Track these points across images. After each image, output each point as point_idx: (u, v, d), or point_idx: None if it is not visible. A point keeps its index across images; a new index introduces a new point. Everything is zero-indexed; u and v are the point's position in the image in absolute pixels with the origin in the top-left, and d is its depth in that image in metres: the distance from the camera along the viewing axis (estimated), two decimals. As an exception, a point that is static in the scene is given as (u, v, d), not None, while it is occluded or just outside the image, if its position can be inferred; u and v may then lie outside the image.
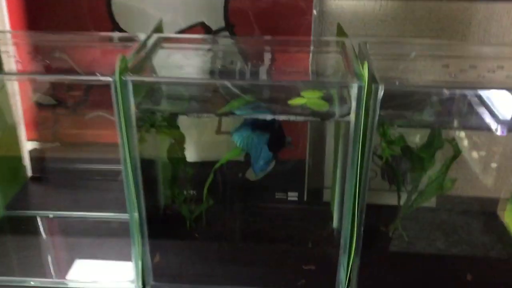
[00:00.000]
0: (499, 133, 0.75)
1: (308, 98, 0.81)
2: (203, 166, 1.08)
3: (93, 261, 0.94)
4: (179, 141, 0.87)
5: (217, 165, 0.90)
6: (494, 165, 1.01)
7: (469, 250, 0.96)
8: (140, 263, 0.89)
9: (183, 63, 0.89)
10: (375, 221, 1.00)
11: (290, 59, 0.95)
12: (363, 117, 0.73)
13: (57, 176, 1.19)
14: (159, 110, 0.79)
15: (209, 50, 0.94)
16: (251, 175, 1.19)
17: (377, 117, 0.72)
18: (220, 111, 0.80)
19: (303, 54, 0.96)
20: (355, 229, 0.83)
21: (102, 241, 0.98)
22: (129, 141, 0.77)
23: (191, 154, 1.06)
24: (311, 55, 0.95)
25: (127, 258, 0.90)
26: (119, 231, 1.04)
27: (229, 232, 1.00)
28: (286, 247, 0.96)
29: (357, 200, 0.80)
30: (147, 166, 0.93)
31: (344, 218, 0.84)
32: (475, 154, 0.94)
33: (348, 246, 0.85)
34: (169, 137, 0.86)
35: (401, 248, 0.95)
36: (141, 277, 0.90)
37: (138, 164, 0.80)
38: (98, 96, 1.17)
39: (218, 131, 1.14)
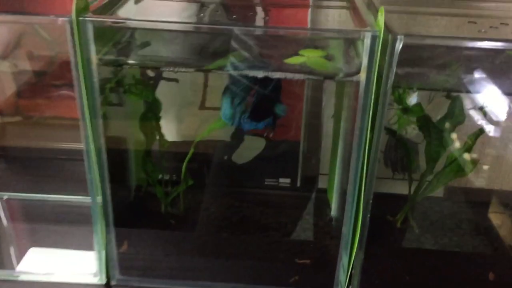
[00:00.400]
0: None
1: (308, 57, 0.67)
2: (183, 146, 0.94)
3: (50, 250, 0.81)
4: (154, 107, 0.73)
5: (198, 138, 0.76)
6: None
7: (486, 245, 0.83)
8: (103, 253, 0.75)
9: (161, 12, 0.74)
10: (380, 210, 0.86)
11: (286, 16, 0.81)
12: (375, 76, 0.59)
13: (16, 153, 1.06)
14: (127, 63, 0.65)
15: (193, 3, 0.80)
16: (238, 157, 1.05)
17: (392, 76, 0.59)
18: (206, 66, 0.66)
19: (300, 10, 0.82)
20: (360, 218, 0.70)
21: (63, 227, 0.85)
22: (90, 102, 0.62)
23: (169, 133, 0.92)
24: (310, 10, 0.81)
25: (90, 247, 0.75)
26: (83, 216, 0.89)
27: (211, 219, 0.86)
28: (277, 238, 0.82)
29: (363, 183, 0.67)
30: (114, 139, 0.79)
31: (347, 205, 0.70)
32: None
33: (350, 238, 0.72)
34: (140, 99, 0.71)
35: (411, 241, 0.82)
36: (104, 269, 0.76)
37: (102, 134, 0.66)
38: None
39: (202, 106, 0.99)
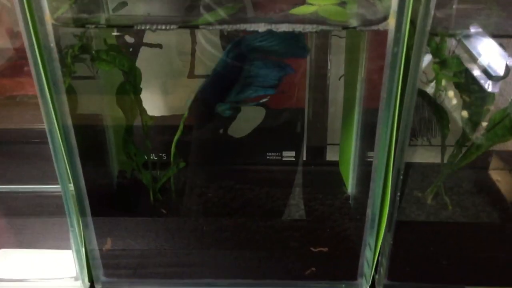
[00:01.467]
0: None
1: (319, 5, 0.55)
2: (171, 121, 0.81)
3: (22, 251, 0.70)
4: (132, 77, 0.60)
5: (187, 113, 0.64)
6: None
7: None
8: (82, 251, 0.64)
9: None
10: (405, 185, 0.74)
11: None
12: (408, 21, 0.47)
13: None
14: (91, 22, 0.52)
15: None
16: (235, 131, 0.93)
17: (430, 21, 0.46)
18: (194, 21, 0.54)
19: None
20: (388, 195, 0.58)
21: (37, 223, 0.71)
22: (49, 74, 0.50)
23: (155, 108, 0.79)
24: None
25: (68, 245, 0.64)
26: (61, 208, 0.77)
27: (208, 205, 0.74)
28: (286, 223, 0.71)
29: (392, 154, 0.55)
30: (88, 117, 0.66)
31: (373, 181, 0.59)
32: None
33: (377, 219, 0.60)
34: (112, 68, 0.58)
35: (444, 220, 0.70)
36: (86, 271, 0.65)
37: (67, 112, 0.53)
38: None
39: (191, 73, 0.86)
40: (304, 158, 0.96)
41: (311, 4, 0.57)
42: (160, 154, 0.79)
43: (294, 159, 0.95)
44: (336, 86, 0.92)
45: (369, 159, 0.73)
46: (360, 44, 0.69)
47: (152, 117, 0.66)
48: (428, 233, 0.68)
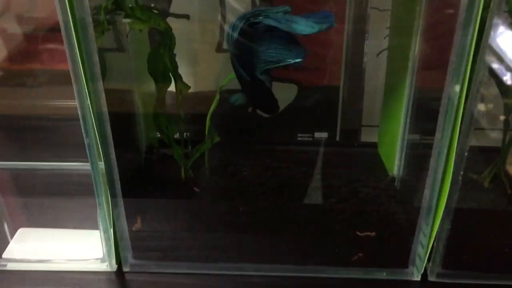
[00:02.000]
0: None
1: None
2: (200, 97, 0.77)
3: (44, 230, 0.65)
4: (167, 39, 0.55)
5: (226, 81, 0.58)
6: None
7: None
8: (111, 232, 0.59)
9: None
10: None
11: None
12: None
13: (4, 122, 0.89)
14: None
15: None
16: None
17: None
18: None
19: None
20: (449, 177, 0.53)
21: (60, 201, 0.67)
22: (82, 35, 0.44)
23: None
24: None
25: (95, 225, 0.59)
26: (85, 186, 0.72)
27: (243, 184, 0.69)
28: (328, 206, 0.65)
29: (457, 132, 0.49)
30: (116, 92, 0.61)
31: (433, 161, 0.53)
32: None
33: (435, 202, 0.55)
34: (146, 27, 0.53)
35: (503, 204, 0.65)
36: (114, 253, 0.60)
37: (99, 81, 0.48)
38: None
39: (219, 48, 0.83)
40: (338, 139, 0.91)
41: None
42: (191, 130, 0.74)
43: (327, 139, 0.90)
44: (374, 62, 0.86)
45: (421, 141, 0.68)
46: (414, 9, 0.63)
47: (188, 85, 0.61)
48: (486, 219, 0.62)
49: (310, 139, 0.92)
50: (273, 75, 0.87)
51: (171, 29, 0.56)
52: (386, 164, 0.78)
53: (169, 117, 0.64)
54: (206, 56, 0.87)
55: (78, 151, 0.80)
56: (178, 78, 0.59)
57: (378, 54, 0.87)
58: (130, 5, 0.52)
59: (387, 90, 0.79)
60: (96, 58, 0.48)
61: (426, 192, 0.56)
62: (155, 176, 0.70)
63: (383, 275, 0.61)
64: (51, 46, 0.85)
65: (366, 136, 0.93)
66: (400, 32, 0.70)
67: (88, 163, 0.57)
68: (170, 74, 0.60)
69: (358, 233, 0.62)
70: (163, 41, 0.56)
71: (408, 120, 0.68)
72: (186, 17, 0.79)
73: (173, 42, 0.57)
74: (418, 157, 0.69)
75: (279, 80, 0.89)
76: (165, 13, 0.76)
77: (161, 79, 0.59)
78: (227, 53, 0.84)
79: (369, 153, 0.85)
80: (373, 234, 0.62)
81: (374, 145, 0.86)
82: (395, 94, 0.73)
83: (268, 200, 0.66)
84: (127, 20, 0.52)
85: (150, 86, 0.66)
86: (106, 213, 0.60)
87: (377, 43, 0.86)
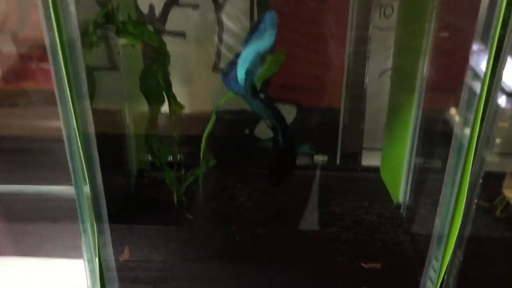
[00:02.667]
0: None
1: None
2: (195, 119, 0.73)
3: (24, 260, 0.58)
4: (161, 57, 0.51)
5: (223, 101, 0.55)
6: None
7: None
8: (96, 262, 0.54)
9: None
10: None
11: None
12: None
13: None
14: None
15: None
16: (262, 131, 0.85)
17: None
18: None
19: None
20: (462, 205, 0.49)
21: (42, 227, 0.62)
22: (69, 51, 0.41)
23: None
24: None
25: (79, 254, 0.55)
26: (70, 212, 0.68)
27: (240, 211, 0.65)
28: (331, 235, 0.61)
29: (471, 159, 0.46)
30: (105, 113, 0.58)
31: (446, 187, 0.50)
32: None
33: (447, 233, 0.51)
34: (138, 41, 0.49)
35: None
36: (99, 285, 0.55)
37: (86, 100, 0.44)
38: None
39: (216, 67, 0.80)
40: (338, 162, 0.87)
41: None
42: (185, 152, 0.70)
43: (327, 163, 0.86)
44: (376, 83, 0.83)
45: (429, 166, 0.65)
46: (422, 27, 0.60)
47: (182, 105, 0.57)
48: (499, 249, 0.58)
49: (309, 161, 0.88)
50: (272, 96, 0.85)
51: (165, 45, 0.53)
52: (390, 190, 0.74)
53: (161, 139, 0.60)
54: (201, 76, 0.83)
55: (65, 174, 0.77)
56: (172, 98, 0.56)
57: (380, 75, 0.84)
58: (122, 20, 0.49)
59: (391, 112, 0.76)
60: (83, 76, 0.45)
61: (437, 221, 0.53)
62: (146, 201, 0.66)
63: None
64: (44, 65, 0.82)
65: (367, 160, 0.89)
66: (406, 51, 0.68)
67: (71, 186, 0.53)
68: (164, 93, 0.56)
69: (362, 264, 0.58)
70: (156, 58, 0.53)
71: (415, 143, 0.65)
72: (182, 35, 0.76)
73: (168, 59, 0.54)
74: (426, 183, 0.65)
75: (278, 101, 0.86)
76: (160, 31, 0.73)
77: (154, 98, 0.56)
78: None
79: (371, 178, 0.82)
80: (378, 265, 0.58)
81: (376, 170, 0.82)
82: (400, 115, 0.70)
83: (267, 228, 0.62)
84: (119, 37, 0.49)
85: (142, 106, 0.63)
86: (91, 241, 0.55)
87: (378, 64, 0.83)
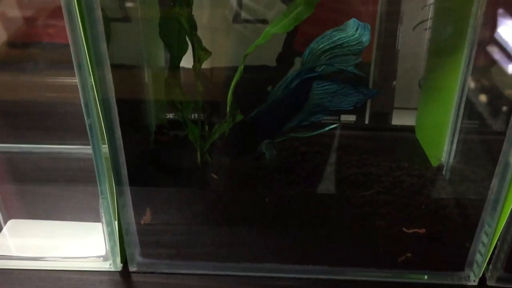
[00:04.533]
0: None
1: None
2: (215, 75, 0.68)
3: (38, 222, 0.57)
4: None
5: (251, 49, 0.49)
6: None
7: None
8: (115, 226, 0.50)
9: None
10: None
11: None
12: None
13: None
14: None
15: None
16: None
17: None
18: None
19: None
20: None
21: (56, 188, 0.58)
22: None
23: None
24: None
25: (96, 217, 0.51)
26: (85, 172, 0.64)
27: (267, 171, 0.60)
28: (369, 198, 0.57)
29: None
30: (121, 61, 0.53)
31: (506, 145, 0.44)
32: None
33: (503, 195, 0.46)
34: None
35: None
36: (118, 250, 0.52)
37: (105, 55, 0.39)
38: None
39: (237, 18, 0.74)
40: (366, 122, 0.82)
41: None
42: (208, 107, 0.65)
43: (354, 122, 0.81)
44: (409, 38, 0.77)
45: (477, 126, 0.60)
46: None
47: (208, 51, 0.52)
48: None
49: (336, 121, 0.83)
50: (298, 49, 0.79)
51: (189, -16, 0.48)
52: (428, 151, 0.69)
53: (183, 92, 0.55)
54: (221, 28, 0.77)
55: (78, 133, 0.72)
56: (197, 42, 0.50)
57: (414, 28, 0.78)
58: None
59: (431, 68, 0.70)
60: (101, 27, 0.40)
61: (494, 182, 0.48)
62: (166, 160, 0.61)
63: (434, 278, 0.53)
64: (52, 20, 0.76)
65: (398, 119, 0.84)
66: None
67: (89, 146, 0.49)
68: (187, 37, 0.50)
69: (405, 229, 0.53)
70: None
71: (463, 101, 0.59)
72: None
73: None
74: (473, 144, 0.60)
75: (301, 54, 0.80)
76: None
77: (176, 44, 0.50)
78: (245, 23, 0.75)
79: (406, 138, 0.77)
80: (422, 231, 0.54)
81: (408, 129, 0.77)
82: (443, 72, 0.64)
83: (298, 190, 0.57)
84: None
85: (160, 58, 0.57)
86: (109, 204, 0.51)
87: (412, 15, 0.77)
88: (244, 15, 0.76)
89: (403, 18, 0.76)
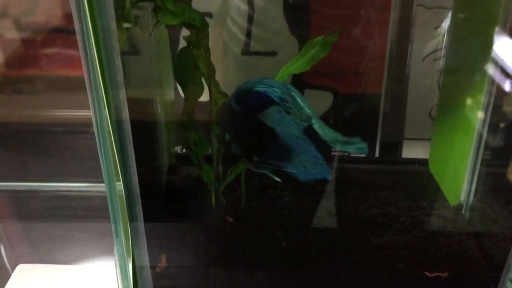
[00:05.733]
0: None
1: None
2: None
3: (47, 267, 0.58)
4: (202, 39, 0.45)
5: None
6: None
7: None
8: (129, 269, 0.49)
9: None
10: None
11: None
12: None
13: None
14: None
15: None
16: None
17: None
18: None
19: None
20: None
21: (67, 228, 0.57)
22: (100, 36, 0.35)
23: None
24: None
25: (107, 259, 0.50)
26: (93, 212, 0.63)
27: (284, 212, 0.59)
28: (387, 239, 0.56)
29: None
30: (132, 95, 0.52)
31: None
32: None
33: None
34: (179, 22, 0.43)
35: None
36: (132, 294, 0.51)
37: (122, 88, 0.39)
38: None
39: (246, 50, 0.74)
40: (377, 155, 0.82)
41: None
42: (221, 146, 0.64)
43: (365, 155, 0.80)
44: (419, 67, 0.77)
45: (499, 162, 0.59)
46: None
47: (226, 94, 0.51)
48: None
49: (346, 153, 0.82)
50: (307, 81, 0.78)
51: (207, 25, 0.47)
52: (443, 186, 0.68)
53: (199, 133, 0.54)
54: (231, 60, 0.77)
55: (83, 169, 0.71)
56: (214, 86, 0.50)
57: (424, 59, 0.78)
58: (159, -2, 0.43)
59: (444, 99, 0.69)
60: (118, 62, 0.39)
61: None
62: (179, 202, 0.60)
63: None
64: (51, 50, 0.76)
65: (409, 152, 0.84)
66: (467, 30, 0.61)
67: (97, 184, 0.48)
68: (203, 80, 0.50)
69: (427, 273, 0.52)
70: (196, 40, 0.47)
71: (483, 136, 0.58)
72: (209, 15, 0.71)
73: (207, 36, 0.48)
74: (494, 181, 0.59)
75: (312, 87, 0.80)
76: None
77: (192, 86, 0.50)
78: (255, 56, 0.75)
79: (420, 172, 0.76)
80: (445, 274, 0.52)
81: (421, 162, 0.76)
82: (461, 102, 0.63)
83: (315, 232, 0.56)
84: (157, 16, 0.43)
85: (170, 94, 0.56)
86: (124, 245, 0.50)
87: (422, 46, 0.77)
88: (253, 47, 0.76)
89: (413, 47, 0.77)
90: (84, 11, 0.37)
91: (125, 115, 0.44)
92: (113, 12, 0.36)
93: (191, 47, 0.48)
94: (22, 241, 0.63)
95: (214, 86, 0.50)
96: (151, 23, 0.51)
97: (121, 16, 0.39)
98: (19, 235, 0.64)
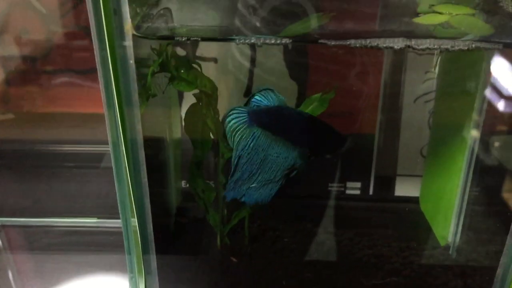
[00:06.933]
0: None
1: (451, 14, 0.46)
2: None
3: None
4: (212, 101, 0.50)
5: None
6: None
7: None
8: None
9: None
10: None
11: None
12: None
13: (10, 163, 0.84)
14: (177, 33, 0.42)
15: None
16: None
17: None
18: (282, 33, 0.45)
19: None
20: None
21: (78, 266, 0.60)
22: (123, 90, 0.40)
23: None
24: None
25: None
26: (106, 248, 0.68)
27: (285, 252, 0.63)
28: (380, 279, 0.60)
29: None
30: (150, 145, 0.57)
31: None
32: None
33: (508, 281, 0.50)
34: (192, 89, 0.48)
35: None
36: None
37: (140, 140, 0.43)
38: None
39: (248, 93, 0.76)
40: (371, 192, 0.86)
41: (439, 12, 0.48)
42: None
43: (359, 191, 0.85)
44: (411, 108, 0.82)
45: (485, 202, 0.63)
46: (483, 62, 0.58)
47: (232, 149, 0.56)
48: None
49: (342, 189, 0.86)
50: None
51: (217, 89, 0.52)
52: (433, 225, 0.72)
53: (207, 181, 0.59)
54: (233, 102, 0.82)
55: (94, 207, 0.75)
56: (221, 141, 0.55)
57: (415, 100, 0.83)
58: (174, 65, 0.48)
59: (434, 139, 0.74)
60: (139, 127, 0.44)
61: (499, 272, 0.51)
62: (186, 243, 0.65)
63: None
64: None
65: (401, 190, 0.88)
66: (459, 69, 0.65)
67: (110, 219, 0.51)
68: (211, 135, 0.55)
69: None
70: (207, 102, 0.52)
71: (470, 174, 0.63)
72: (214, 60, 0.75)
73: (216, 97, 0.53)
74: (480, 222, 0.64)
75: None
76: (191, 57, 0.73)
77: (200, 141, 0.55)
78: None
79: (411, 210, 0.80)
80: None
81: (412, 200, 0.81)
82: (450, 139, 0.67)
83: (315, 273, 0.61)
84: (173, 85, 0.48)
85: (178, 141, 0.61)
86: (137, 283, 0.54)
87: (413, 88, 0.82)
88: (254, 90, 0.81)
89: (404, 89, 0.81)
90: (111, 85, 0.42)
91: (142, 158, 0.48)
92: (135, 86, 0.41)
93: (201, 106, 0.53)
94: (33, 277, 0.67)
95: (221, 142, 0.55)
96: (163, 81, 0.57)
97: (143, 87, 0.44)
98: (30, 272, 0.68)
